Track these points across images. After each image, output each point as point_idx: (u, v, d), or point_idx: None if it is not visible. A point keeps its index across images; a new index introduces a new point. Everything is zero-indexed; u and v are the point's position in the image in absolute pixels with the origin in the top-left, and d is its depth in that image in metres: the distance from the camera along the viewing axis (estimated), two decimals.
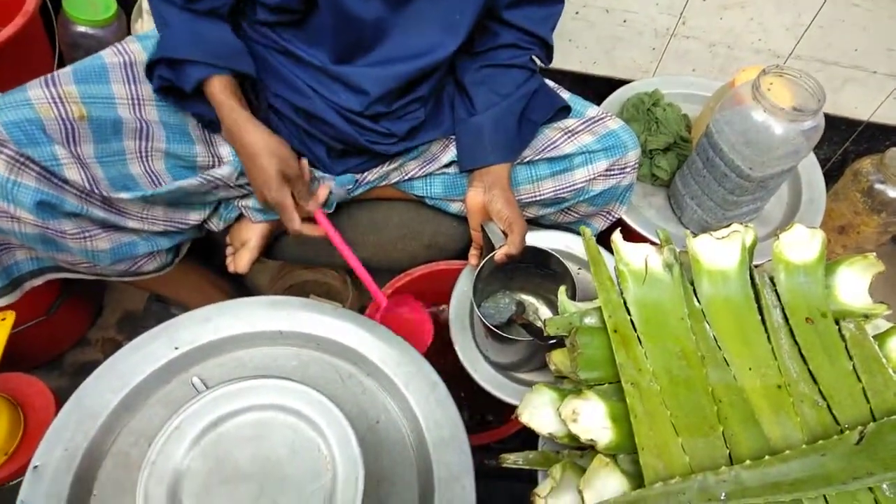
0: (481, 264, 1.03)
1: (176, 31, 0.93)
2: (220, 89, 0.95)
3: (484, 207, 1.05)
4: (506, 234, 1.01)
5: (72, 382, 1.42)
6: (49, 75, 0.90)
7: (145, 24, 1.58)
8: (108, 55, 0.95)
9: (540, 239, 1.11)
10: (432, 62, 1.01)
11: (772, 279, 0.86)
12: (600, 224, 1.25)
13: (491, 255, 1.01)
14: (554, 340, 0.97)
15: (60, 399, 1.08)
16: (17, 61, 1.42)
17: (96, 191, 0.90)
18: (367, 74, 1.01)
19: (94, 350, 1.47)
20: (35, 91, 0.87)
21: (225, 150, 1.05)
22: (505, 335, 0.98)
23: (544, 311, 1.17)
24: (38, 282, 1.03)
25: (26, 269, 1.00)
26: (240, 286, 1.47)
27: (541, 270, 1.09)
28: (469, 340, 1.09)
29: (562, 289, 0.87)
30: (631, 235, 1.16)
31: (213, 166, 1.05)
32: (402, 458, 0.83)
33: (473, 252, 1.12)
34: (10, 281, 0.99)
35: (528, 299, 1.17)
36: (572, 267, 1.04)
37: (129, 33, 1.64)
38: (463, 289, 1.14)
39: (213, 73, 0.94)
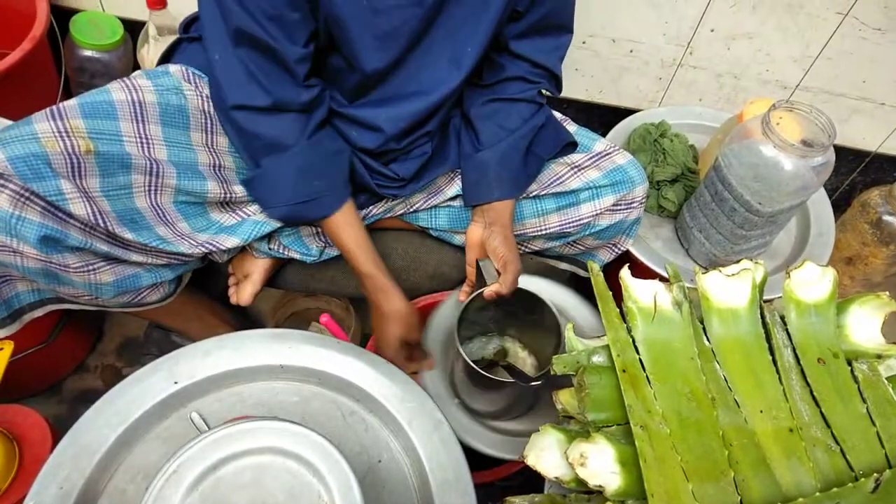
0: (467, 301, 1.01)
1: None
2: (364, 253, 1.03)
3: (482, 243, 1.04)
4: (499, 273, 1.00)
5: (70, 409, 1.40)
6: (55, 107, 0.88)
7: (151, 49, 1.59)
8: (115, 90, 0.94)
9: (530, 284, 1.09)
10: (440, 98, 1.01)
11: (782, 318, 0.85)
12: (606, 256, 1.23)
13: (479, 291, 1.00)
14: (538, 383, 0.96)
15: (58, 426, 1.06)
16: (24, 85, 1.43)
17: (101, 224, 0.89)
18: (381, 114, 1.01)
19: (93, 377, 1.45)
20: (41, 125, 0.85)
21: (238, 189, 1.04)
22: (489, 375, 0.95)
23: (526, 358, 1.15)
24: (38, 313, 1.01)
25: (27, 300, 0.99)
26: (241, 314, 1.45)
27: (528, 316, 1.07)
28: (440, 381, 1.06)
29: (569, 325, 0.85)
30: (637, 267, 1.15)
31: (227, 200, 1.04)
32: (404, 500, 0.81)
33: (464, 288, 1.11)
34: (11, 313, 0.98)
35: (511, 345, 1.16)
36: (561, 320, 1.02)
37: (134, 58, 1.65)
38: (441, 322, 1.12)
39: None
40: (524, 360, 1.15)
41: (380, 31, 0.93)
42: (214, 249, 1.03)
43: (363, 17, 0.91)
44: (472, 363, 0.96)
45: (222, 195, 1.02)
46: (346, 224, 1.01)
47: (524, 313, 1.08)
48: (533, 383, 0.96)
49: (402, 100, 1.01)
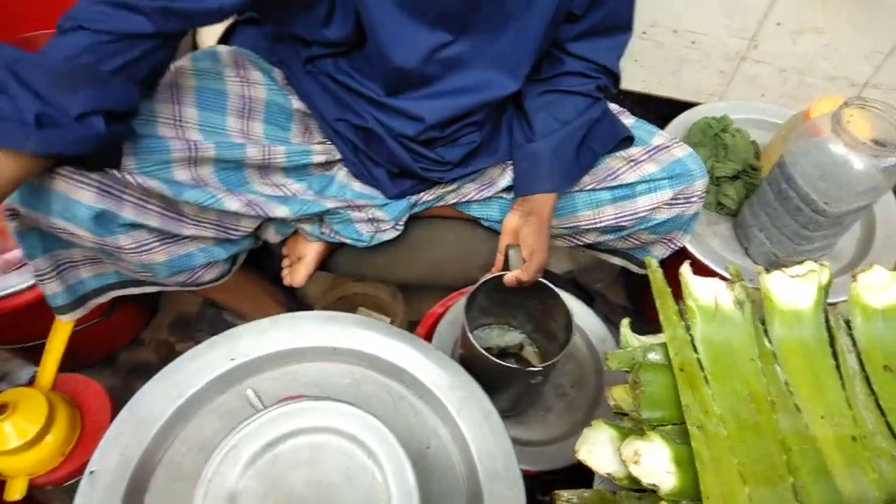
0: (479, 282, 0.99)
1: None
2: None
3: (515, 231, 1.02)
4: (525, 262, 0.99)
5: (124, 382, 1.45)
6: None
7: (211, 29, 1.61)
8: None
9: None
10: (491, 98, 1.01)
11: (847, 322, 0.82)
12: (661, 252, 1.21)
13: (499, 274, 0.99)
14: (538, 376, 0.94)
15: (113, 397, 1.10)
16: None
17: (151, 187, 0.89)
18: (422, 105, 1.00)
19: (146, 350, 1.49)
20: None
21: (280, 150, 1.02)
22: (486, 354, 0.93)
23: (532, 354, 1.14)
24: (102, 299, 1.04)
25: (91, 286, 1.02)
26: (292, 296, 1.47)
27: (540, 311, 1.06)
28: None
29: (625, 321, 0.84)
30: (693, 265, 1.13)
31: (267, 165, 1.03)
32: (451, 488, 0.81)
33: (487, 274, 1.08)
34: (76, 298, 1.00)
35: (525, 342, 1.15)
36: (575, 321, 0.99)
37: (194, 38, 1.68)
38: (456, 315, 1.11)
39: None
40: (531, 355, 1.14)
41: (410, 13, 0.90)
42: (263, 214, 1.01)
43: (390, 9, 0.89)
44: (471, 337, 0.94)
45: (262, 158, 1.00)
46: None
47: (539, 310, 1.06)
48: (530, 368, 0.95)
49: (442, 97, 1.00)
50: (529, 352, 1.14)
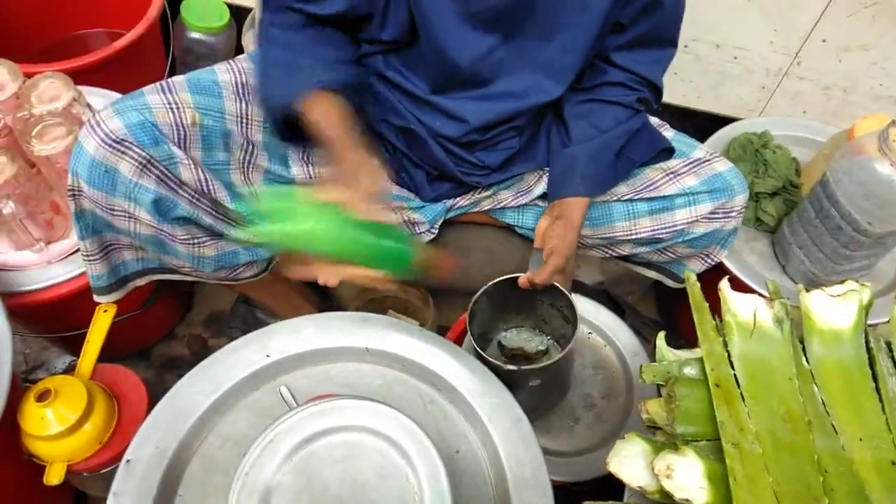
0: (491, 282, 0.98)
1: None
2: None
3: (544, 234, 1.02)
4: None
5: (158, 374, 1.47)
6: (164, 82, 0.93)
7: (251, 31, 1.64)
8: (221, 71, 0.98)
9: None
10: (534, 104, 1.01)
11: (888, 344, 0.81)
12: (698, 267, 1.20)
13: (513, 276, 0.98)
14: (533, 376, 0.94)
15: (147, 388, 1.12)
16: (135, 63, 1.50)
17: (207, 190, 0.93)
18: (467, 106, 1.01)
19: (180, 345, 1.52)
20: (153, 97, 0.90)
21: (325, 172, 1.06)
22: (484, 354, 0.93)
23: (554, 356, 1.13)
24: (141, 282, 1.07)
25: (133, 269, 1.05)
26: (324, 296, 1.49)
27: (557, 315, 1.05)
28: None
29: (661, 334, 0.84)
30: (729, 281, 1.11)
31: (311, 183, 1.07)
32: (480, 493, 0.81)
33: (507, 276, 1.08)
34: (118, 279, 1.04)
35: (550, 344, 1.14)
36: (583, 329, 0.97)
37: (238, 42, 1.71)
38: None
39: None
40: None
41: (465, 14, 0.91)
42: None
43: (445, 9, 0.90)
44: (472, 334, 0.94)
45: (307, 179, 1.05)
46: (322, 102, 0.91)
47: (553, 312, 1.06)
48: (524, 367, 0.94)
49: (488, 100, 1.01)
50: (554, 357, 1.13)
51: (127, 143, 0.86)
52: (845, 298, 0.81)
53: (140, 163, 0.87)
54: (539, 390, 1.01)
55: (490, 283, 0.99)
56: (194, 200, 0.94)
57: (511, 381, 0.98)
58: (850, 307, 0.80)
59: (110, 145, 0.86)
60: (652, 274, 1.27)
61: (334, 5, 0.92)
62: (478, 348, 0.94)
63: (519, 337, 1.14)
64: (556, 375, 1.05)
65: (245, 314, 1.45)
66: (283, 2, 0.92)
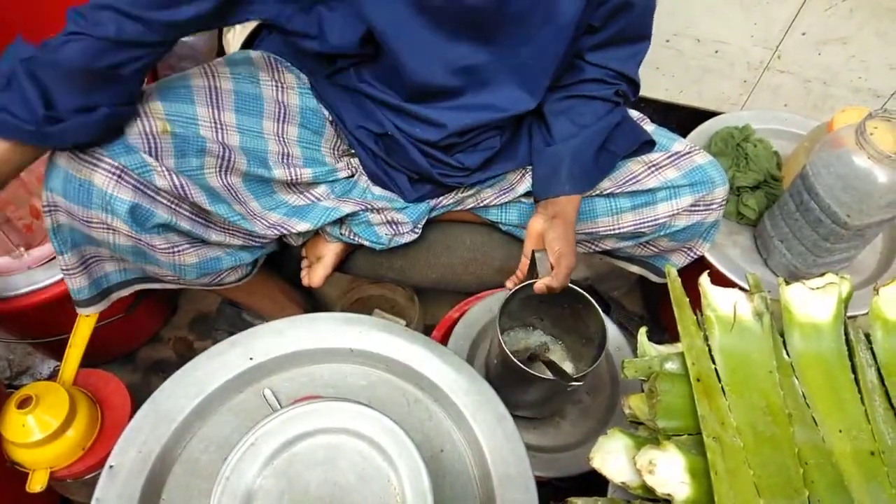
0: (513, 290, 0.98)
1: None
2: None
3: (541, 235, 1.01)
4: (553, 268, 0.97)
5: (144, 377, 1.47)
6: None
7: (236, 34, 1.63)
8: (194, 75, 0.97)
9: None
10: (510, 115, 1.01)
11: (867, 336, 0.82)
12: (680, 260, 1.20)
13: (530, 282, 0.97)
14: (577, 385, 0.93)
15: (132, 393, 1.11)
16: None
17: (185, 194, 0.92)
18: (444, 115, 1.01)
19: (166, 348, 1.51)
20: None
21: (306, 172, 1.06)
22: (526, 369, 0.93)
23: (565, 360, 1.12)
24: (125, 292, 1.06)
25: (115, 280, 1.03)
26: (309, 297, 1.49)
27: (572, 317, 1.05)
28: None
29: (642, 330, 0.84)
30: (712, 275, 1.12)
31: (293, 183, 1.07)
32: (464, 492, 0.81)
33: (512, 277, 1.08)
34: (100, 291, 1.02)
35: (552, 343, 1.14)
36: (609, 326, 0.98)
37: (220, 43, 1.70)
38: (478, 315, 1.12)
39: None
40: (562, 362, 1.13)
41: (431, 26, 0.91)
42: (286, 232, 1.05)
43: (407, 24, 0.90)
44: (510, 354, 0.93)
45: (289, 179, 1.04)
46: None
47: (569, 314, 1.05)
48: (572, 383, 0.93)
49: (464, 110, 1.01)
50: (556, 350, 1.14)
51: (97, 155, 0.85)
52: (825, 291, 0.81)
53: (113, 173, 0.86)
54: (569, 394, 1.00)
55: (511, 293, 0.98)
56: (172, 206, 0.93)
57: (545, 390, 0.99)
58: (830, 300, 0.81)
59: (81, 158, 0.85)
60: (635, 269, 1.27)
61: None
62: (524, 367, 0.93)
63: (516, 336, 1.14)
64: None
65: (231, 315, 1.45)
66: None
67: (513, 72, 0.98)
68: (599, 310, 0.97)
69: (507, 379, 1.00)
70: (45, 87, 0.78)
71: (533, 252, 1.00)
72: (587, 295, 0.98)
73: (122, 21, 0.79)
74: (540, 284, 0.96)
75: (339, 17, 0.94)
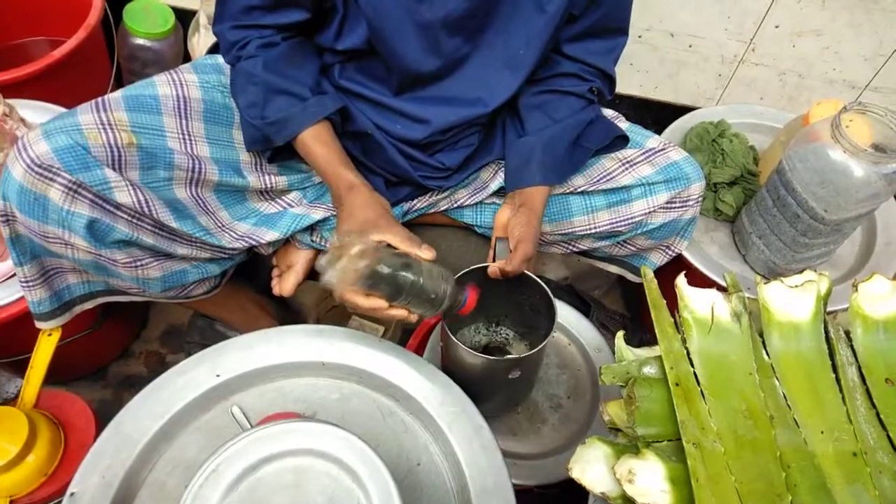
0: (462, 272, 0.94)
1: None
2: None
3: (506, 225, 0.99)
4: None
5: (115, 394, 1.43)
6: (100, 100, 0.89)
7: (201, 38, 1.59)
8: (161, 84, 0.94)
9: None
10: (499, 103, 1.00)
11: (847, 334, 0.80)
12: (658, 259, 1.19)
13: (480, 266, 0.94)
14: (508, 362, 0.93)
15: (103, 410, 1.08)
16: (78, 73, 1.45)
17: (147, 212, 0.89)
18: (430, 110, 1.00)
19: (137, 362, 1.47)
20: (85, 116, 0.86)
21: (280, 180, 1.04)
22: (463, 346, 0.89)
23: (518, 349, 1.11)
24: (88, 305, 1.03)
25: (77, 293, 1.00)
26: (283, 306, 1.45)
27: (525, 304, 1.03)
28: None
29: (620, 333, 0.82)
30: (691, 273, 1.11)
31: (267, 190, 1.04)
32: None
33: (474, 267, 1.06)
34: (61, 304, 0.99)
35: (508, 334, 1.12)
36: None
37: (185, 47, 1.66)
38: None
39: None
40: (521, 352, 1.11)
41: (423, 22, 0.90)
42: (255, 243, 1.03)
43: (404, 9, 0.89)
44: (448, 328, 0.90)
45: (263, 187, 1.03)
46: (322, 135, 0.95)
47: (529, 309, 1.03)
48: (507, 357, 0.93)
49: (450, 104, 1.00)
50: (519, 349, 1.11)
51: (54, 170, 0.81)
52: (803, 289, 0.80)
53: (69, 188, 0.82)
54: (515, 383, 0.98)
55: (461, 273, 0.94)
56: (134, 221, 0.90)
57: (490, 376, 0.96)
58: (809, 298, 0.80)
59: (37, 172, 0.81)
60: (614, 269, 1.26)
61: (292, 15, 0.92)
62: (462, 345, 0.90)
63: (479, 332, 1.12)
64: (535, 366, 1.03)
65: (203, 327, 1.41)
66: (239, 20, 0.92)
67: (501, 61, 0.98)
68: (551, 295, 0.94)
69: (454, 363, 0.96)
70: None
71: (497, 240, 0.98)
72: (542, 283, 0.95)
73: None
74: (494, 267, 0.92)
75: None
